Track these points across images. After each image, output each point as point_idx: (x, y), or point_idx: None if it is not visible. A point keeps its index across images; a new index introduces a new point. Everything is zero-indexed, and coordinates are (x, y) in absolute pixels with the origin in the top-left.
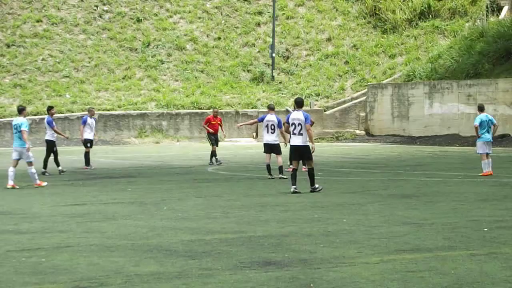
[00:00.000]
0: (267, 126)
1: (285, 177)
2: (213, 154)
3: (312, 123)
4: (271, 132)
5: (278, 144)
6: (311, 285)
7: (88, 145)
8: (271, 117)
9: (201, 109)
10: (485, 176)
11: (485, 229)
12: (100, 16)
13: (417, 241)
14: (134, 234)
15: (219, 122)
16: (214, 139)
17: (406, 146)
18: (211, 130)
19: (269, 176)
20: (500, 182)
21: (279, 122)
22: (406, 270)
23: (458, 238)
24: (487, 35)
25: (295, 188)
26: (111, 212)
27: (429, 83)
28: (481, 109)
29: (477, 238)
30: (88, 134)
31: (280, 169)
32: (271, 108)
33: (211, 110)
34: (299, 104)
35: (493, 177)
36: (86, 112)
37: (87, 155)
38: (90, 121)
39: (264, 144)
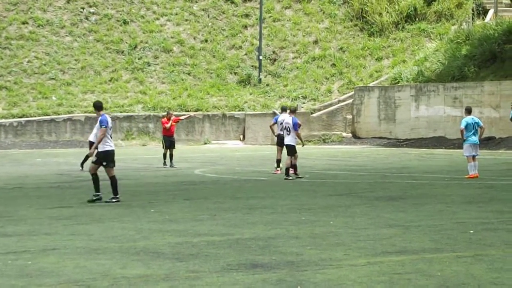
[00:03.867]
0: (284, 128)
1: (290, 177)
2: (166, 156)
3: (299, 126)
4: (287, 134)
5: (294, 145)
6: (298, 287)
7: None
8: (286, 119)
9: (188, 111)
10: (471, 178)
11: (471, 231)
12: (87, 18)
13: (404, 243)
14: (121, 237)
15: (173, 123)
16: (169, 142)
17: (393, 149)
18: (168, 133)
19: (286, 177)
20: (486, 185)
21: (294, 124)
22: (393, 272)
23: (444, 240)
24: (473, 38)
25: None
26: (98, 215)
27: (415, 86)
28: (468, 111)
29: (463, 240)
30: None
31: (294, 168)
32: (292, 111)
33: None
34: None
35: (479, 180)
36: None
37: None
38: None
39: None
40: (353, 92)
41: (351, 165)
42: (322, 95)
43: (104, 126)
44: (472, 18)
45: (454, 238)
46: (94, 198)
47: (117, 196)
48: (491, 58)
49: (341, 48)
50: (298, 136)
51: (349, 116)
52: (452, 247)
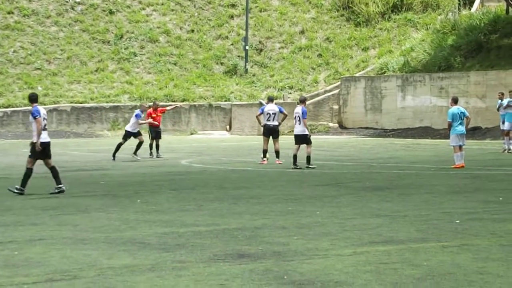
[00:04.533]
0: (294, 117)
1: (312, 166)
2: (152, 147)
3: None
4: (298, 124)
5: (307, 134)
6: (285, 277)
7: (127, 138)
8: (296, 109)
9: (174, 101)
10: (457, 168)
11: (457, 221)
12: (72, 8)
13: (390, 233)
14: (107, 227)
15: (159, 114)
16: (155, 132)
17: (379, 139)
18: (155, 123)
19: (293, 167)
20: (472, 175)
21: (303, 113)
22: (379, 262)
23: (431, 230)
24: (459, 28)
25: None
26: (84, 205)
27: (401, 76)
28: (455, 101)
29: (449, 230)
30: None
31: (308, 159)
32: (302, 101)
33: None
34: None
35: (465, 170)
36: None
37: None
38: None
39: (296, 135)
40: (339, 83)
41: (337, 155)
42: (308, 85)
43: (37, 116)
44: (458, 8)
45: (440, 228)
46: (15, 190)
47: (60, 186)
48: (477, 48)
49: (327, 38)
50: (305, 124)
51: (336, 107)
52: (438, 237)
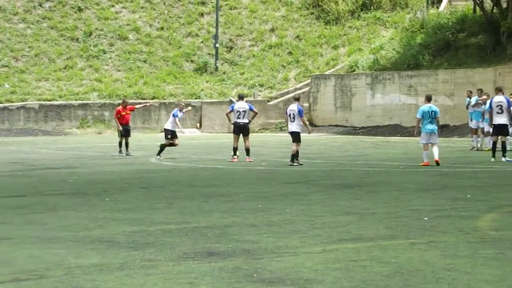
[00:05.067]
0: (288, 115)
1: (296, 164)
2: (122, 144)
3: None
4: (291, 121)
5: (299, 132)
6: (254, 275)
7: (169, 136)
8: (291, 106)
9: (144, 99)
10: (426, 166)
11: (425, 218)
12: (40, 5)
13: (359, 230)
14: (75, 226)
15: (128, 112)
16: (125, 130)
17: (349, 137)
18: (123, 122)
19: (291, 163)
20: (440, 172)
21: (299, 111)
22: (348, 259)
23: (399, 227)
24: (427, 27)
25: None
26: (52, 204)
27: (371, 74)
28: (428, 99)
29: (417, 227)
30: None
31: (296, 155)
32: (296, 98)
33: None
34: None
35: (433, 167)
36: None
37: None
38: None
39: (289, 132)
40: (309, 80)
41: (307, 153)
42: (279, 83)
43: None
44: (427, 7)
45: (409, 225)
46: None
47: None
48: (445, 47)
49: (297, 36)
50: (304, 122)
51: (306, 104)
52: (406, 234)
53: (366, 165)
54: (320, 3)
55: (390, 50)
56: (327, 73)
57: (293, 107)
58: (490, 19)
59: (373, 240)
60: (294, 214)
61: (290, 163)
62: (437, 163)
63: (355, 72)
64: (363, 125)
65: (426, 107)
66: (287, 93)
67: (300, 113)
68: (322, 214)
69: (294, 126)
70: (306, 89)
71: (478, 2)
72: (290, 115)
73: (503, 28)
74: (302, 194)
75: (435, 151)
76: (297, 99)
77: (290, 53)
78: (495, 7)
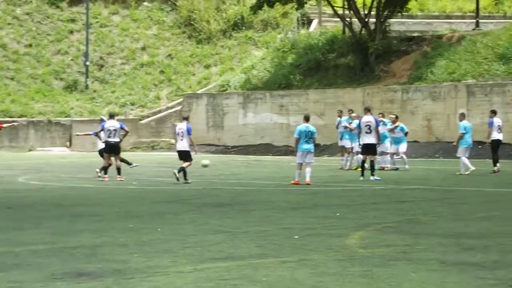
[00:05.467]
0: (177, 134)
1: (189, 181)
2: None
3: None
4: (180, 140)
5: (188, 151)
6: None
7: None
8: (180, 125)
9: (11, 117)
10: (296, 184)
11: (296, 237)
12: None
13: (231, 249)
14: None
15: None
16: None
17: (221, 155)
18: None
19: (181, 180)
20: (311, 191)
21: (188, 129)
22: (220, 278)
23: (270, 246)
24: (298, 47)
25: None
26: None
27: (243, 93)
28: (306, 119)
29: (288, 245)
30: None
31: (182, 169)
32: (185, 118)
33: None
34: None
35: (304, 186)
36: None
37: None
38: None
39: (178, 151)
40: (182, 99)
41: None
42: (150, 101)
43: None
44: (297, 28)
45: (280, 244)
46: None
47: None
48: (315, 67)
49: (169, 55)
50: (191, 141)
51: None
52: (277, 253)
53: (238, 184)
54: (192, 22)
55: (262, 70)
56: (199, 92)
57: (182, 126)
58: (359, 41)
59: (244, 259)
60: (166, 234)
61: (184, 180)
62: (308, 184)
63: (227, 91)
64: (235, 144)
65: (303, 126)
66: (159, 111)
67: (188, 131)
68: (193, 233)
69: (183, 145)
70: (179, 108)
71: (347, 23)
72: (179, 134)
73: (371, 50)
74: (174, 213)
75: (308, 172)
76: (186, 118)
77: (162, 71)
78: (363, 29)
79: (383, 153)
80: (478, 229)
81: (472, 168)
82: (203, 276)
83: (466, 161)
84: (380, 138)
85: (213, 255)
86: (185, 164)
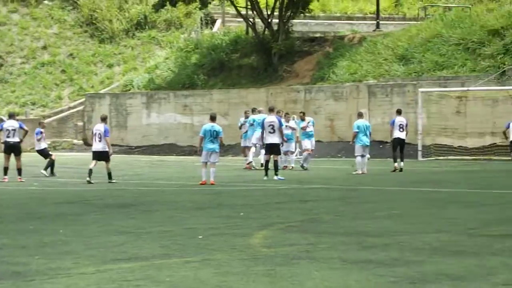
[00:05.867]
0: (94, 134)
1: (114, 181)
2: None
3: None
4: (98, 141)
5: (107, 151)
6: None
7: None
8: (97, 126)
9: None
10: (203, 184)
11: (200, 237)
12: None
13: (134, 250)
14: None
15: None
16: None
17: (125, 156)
18: None
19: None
20: (215, 191)
21: (105, 131)
22: (123, 279)
23: (174, 246)
24: (201, 47)
25: None
26: None
27: (146, 93)
28: (211, 118)
29: (192, 245)
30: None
31: (109, 175)
32: (103, 119)
33: None
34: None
35: (209, 186)
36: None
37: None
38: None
39: (94, 151)
40: (84, 99)
41: (82, 172)
42: (52, 101)
43: None
44: (201, 27)
45: (183, 244)
46: None
47: None
48: (219, 67)
49: (71, 54)
50: (108, 143)
51: (80, 123)
52: (181, 253)
53: (142, 185)
54: (94, 21)
55: (165, 70)
56: (102, 92)
57: (100, 127)
58: (262, 41)
59: (148, 260)
60: (68, 235)
61: (111, 180)
62: (212, 184)
63: (130, 91)
64: (139, 144)
65: (208, 125)
66: (61, 111)
67: (106, 133)
68: (96, 234)
69: (101, 145)
70: (81, 108)
71: (251, 24)
72: (96, 135)
73: (274, 50)
74: (76, 214)
75: (212, 172)
76: (103, 119)
77: (63, 71)
78: (266, 29)
79: (287, 153)
80: (379, 228)
81: (359, 171)
82: (106, 277)
83: (359, 160)
84: (288, 137)
85: (116, 256)
86: (107, 166)
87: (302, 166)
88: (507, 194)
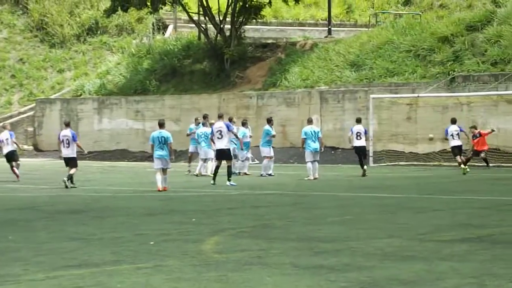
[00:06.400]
0: (62, 141)
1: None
2: None
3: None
4: (66, 147)
5: (75, 157)
6: None
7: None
8: (64, 131)
9: None
10: (159, 191)
11: (152, 243)
12: None
13: (85, 256)
14: None
15: None
16: None
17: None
18: None
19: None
20: (167, 197)
21: (73, 136)
22: (73, 285)
23: (126, 252)
24: (153, 53)
25: None
26: None
27: (98, 98)
28: (160, 125)
29: (143, 251)
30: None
31: (71, 177)
32: (66, 124)
33: None
34: None
35: (161, 192)
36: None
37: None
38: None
39: (64, 157)
40: (34, 104)
41: (33, 178)
42: (1, 106)
43: None
44: (153, 33)
45: (135, 250)
46: None
47: None
48: (171, 72)
49: (21, 59)
50: (79, 146)
51: (31, 129)
52: (132, 259)
53: (93, 191)
54: (45, 26)
55: (117, 75)
56: (52, 97)
57: (67, 133)
58: (215, 47)
59: (99, 266)
60: (17, 241)
61: (71, 185)
62: (164, 190)
63: (81, 97)
64: (91, 149)
65: (156, 132)
66: (11, 117)
67: (74, 138)
68: (46, 241)
69: (70, 151)
70: (31, 113)
71: (203, 29)
72: (63, 141)
73: (226, 56)
74: (26, 220)
75: (164, 178)
76: (67, 124)
77: (13, 76)
78: (218, 35)
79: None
80: (331, 233)
81: (311, 177)
82: (55, 284)
83: (309, 166)
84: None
85: (66, 262)
86: (71, 171)
87: (261, 175)
88: (457, 199)
